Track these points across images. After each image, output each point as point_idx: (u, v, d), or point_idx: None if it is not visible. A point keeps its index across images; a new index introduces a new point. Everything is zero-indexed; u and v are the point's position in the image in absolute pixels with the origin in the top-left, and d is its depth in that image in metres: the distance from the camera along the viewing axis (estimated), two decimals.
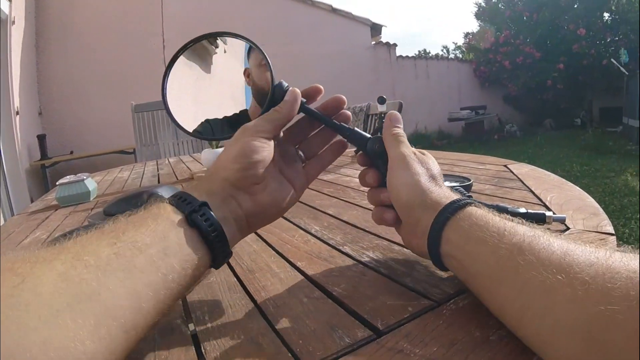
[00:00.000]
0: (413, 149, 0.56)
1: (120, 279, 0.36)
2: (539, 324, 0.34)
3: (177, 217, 0.44)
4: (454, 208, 0.46)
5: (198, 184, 0.51)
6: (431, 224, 0.47)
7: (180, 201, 0.46)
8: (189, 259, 0.42)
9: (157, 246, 0.40)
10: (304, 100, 0.57)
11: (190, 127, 0.61)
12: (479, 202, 0.48)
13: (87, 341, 0.31)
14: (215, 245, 0.45)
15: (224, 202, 0.49)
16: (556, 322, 0.32)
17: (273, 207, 0.54)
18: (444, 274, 0.52)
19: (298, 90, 0.56)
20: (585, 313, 0.30)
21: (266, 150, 0.51)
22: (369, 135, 0.58)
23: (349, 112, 0.59)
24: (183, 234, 0.43)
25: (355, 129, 0.58)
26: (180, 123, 0.61)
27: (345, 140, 0.59)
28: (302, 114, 0.58)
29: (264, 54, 0.57)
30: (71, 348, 0.30)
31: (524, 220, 0.43)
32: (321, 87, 0.58)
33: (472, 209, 0.46)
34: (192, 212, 0.44)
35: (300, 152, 0.60)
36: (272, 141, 0.53)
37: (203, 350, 0.42)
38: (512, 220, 0.43)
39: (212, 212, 0.46)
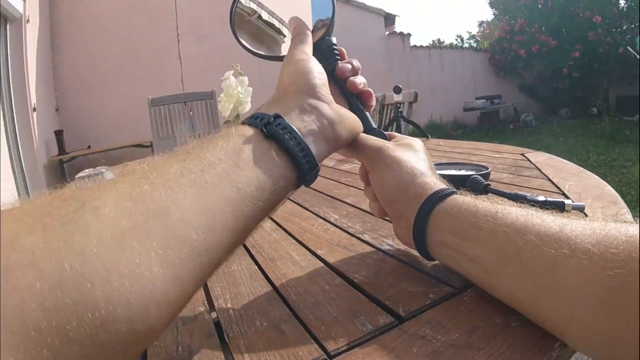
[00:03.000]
0: (396, 134, 0.57)
1: (191, 195, 0.33)
2: (554, 303, 0.34)
3: (250, 131, 0.41)
4: (437, 197, 0.46)
5: (268, 105, 0.47)
6: (415, 215, 0.47)
7: (253, 118, 0.43)
8: (268, 171, 0.39)
9: (230, 160, 0.37)
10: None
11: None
12: (497, 190, 0.48)
13: (155, 267, 0.29)
14: (297, 155, 0.42)
15: (303, 112, 0.46)
16: (569, 298, 0.33)
17: (350, 119, 0.51)
18: None
19: (296, 16, 0.58)
20: (594, 281, 0.31)
21: (318, 65, 0.51)
22: (374, 126, 0.57)
23: (372, 92, 0.58)
24: (258, 147, 0.40)
25: (367, 114, 0.57)
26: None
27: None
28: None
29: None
30: (137, 275, 0.27)
31: (512, 202, 0.43)
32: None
33: (457, 197, 0.46)
34: (267, 124, 0.41)
35: None
36: None
37: (226, 337, 0.43)
38: (501, 203, 0.43)
39: (287, 121, 0.43)
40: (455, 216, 0.44)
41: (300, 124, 0.44)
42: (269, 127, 0.41)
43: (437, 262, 0.52)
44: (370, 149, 0.53)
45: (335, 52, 0.58)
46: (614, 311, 0.29)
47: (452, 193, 0.46)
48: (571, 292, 0.32)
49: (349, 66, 0.56)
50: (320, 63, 0.53)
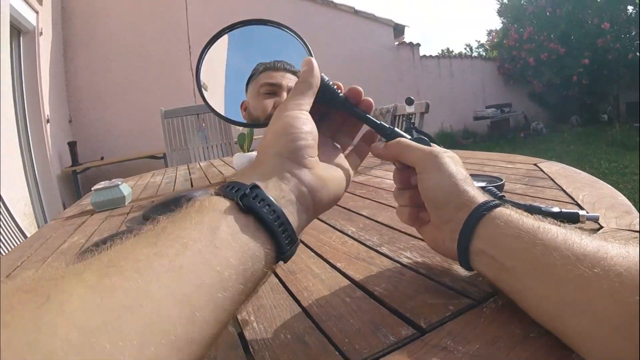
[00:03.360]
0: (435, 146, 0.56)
1: (165, 284, 0.30)
2: (579, 319, 0.34)
3: (226, 204, 0.38)
4: (488, 207, 0.46)
5: (244, 171, 0.46)
6: (464, 221, 0.47)
7: (227, 189, 0.40)
8: (247, 249, 0.36)
9: (206, 240, 0.34)
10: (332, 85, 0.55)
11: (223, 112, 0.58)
12: (512, 202, 0.48)
13: None
14: (276, 230, 0.39)
15: (282, 180, 0.43)
16: (595, 316, 0.33)
17: (333, 182, 0.48)
18: None
19: (311, 57, 0.52)
20: (622, 305, 0.31)
21: (310, 121, 0.48)
22: (388, 126, 0.57)
23: (370, 100, 0.56)
24: (235, 222, 0.37)
25: (374, 119, 0.57)
26: (215, 108, 0.58)
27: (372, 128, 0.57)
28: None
29: (306, 45, 0.57)
30: None
31: (554, 220, 0.43)
32: (360, 88, 0.55)
33: (504, 209, 0.46)
34: (243, 196, 0.39)
35: (336, 144, 0.56)
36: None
37: (251, 349, 0.43)
38: (544, 220, 0.43)
39: (266, 193, 0.40)
40: (500, 227, 0.44)
41: (278, 193, 0.42)
42: (245, 200, 0.38)
43: (456, 273, 0.53)
44: (422, 152, 0.53)
45: (333, 86, 0.55)
46: (636, 335, 0.29)
47: (499, 205, 0.47)
48: (598, 311, 0.33)
49: (358, 88, 0.55)
50: (324, 103, 0.53)
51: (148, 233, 0.34)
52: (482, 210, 0.46)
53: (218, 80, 0.60)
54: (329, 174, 0.48)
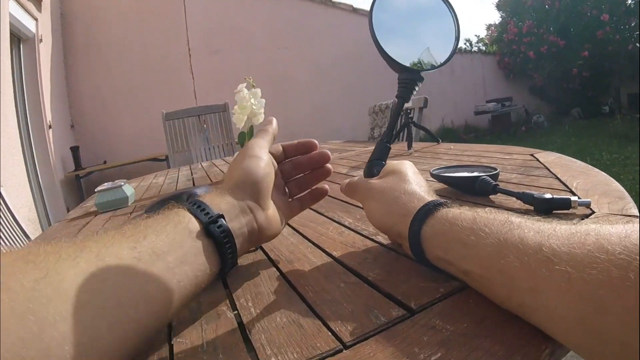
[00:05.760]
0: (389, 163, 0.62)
1: (138, 284, 0.39)
2: (537, 318, 0.35)
3: (195, 226, 0.48)
4: (422, 215, 0.49)
5: (217, 193, 0.55)
6: (408, 240, 0.50)
7: (199, 210, 0.49)
8: (202, 267, 0.46)
9: (175, 254, 0.44)
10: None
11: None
12: (444, 201, 0.49)
13: (104, 339, 0.34)
14: (226, 255, 0.49)
15: (243, 212, 0.53)
16: (550, 316, 0.34)
17: (276, 224, 0.59)
18: None
19: (272, 118, 0.66)
20: (571, 306, 0.31)
21: (269, 165, 0.58)
22: (382, 159, 0.65)
23: (329, 167, 0.67)
24: (200, 244, 0.47)
25: (388, 149, 0.66)
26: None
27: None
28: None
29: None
30: (87, 345, 0.32)
31: (492, 209, 0.44)
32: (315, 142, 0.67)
33: (440, 214, 0.48)
34: (210, 222, 0.48)
35: (286, 188, 0.67)
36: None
37: (248, 333, 0.45)
38: (486, 212, 0.44)
39: (227, 224, 0.50)
40: (443, 234, 0.46)
41: (236, 225, 0.52)
42: (211, 227, 0.48)
43: None
44: (361, 188, 0.61)
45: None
46: (592, 331, 0.30)
47: (435, 208, 0.48)
48: (551, 312, 0.33)
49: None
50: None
51: (131, 237, 0.43)
52: (420, 219, 0.49)
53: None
54: (275, 216, 0.58)
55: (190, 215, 0.49)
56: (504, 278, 0.38)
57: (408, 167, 0.59)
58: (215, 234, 0.48)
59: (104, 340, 0.34)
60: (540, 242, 0.35)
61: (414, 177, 0.57)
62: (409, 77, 0.64)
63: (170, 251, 0.43)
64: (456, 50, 0.66)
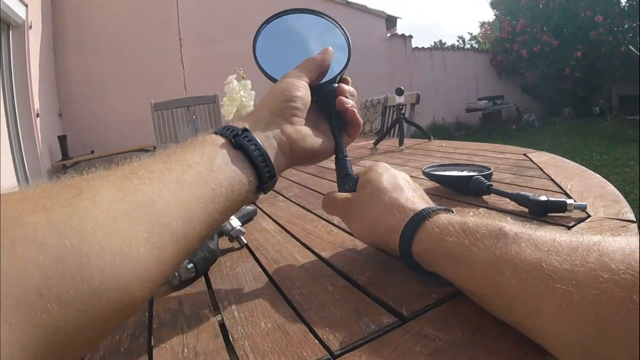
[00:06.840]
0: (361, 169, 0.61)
1: (172, 191, 0.38)
2: (537, 338, 0.34)
3: (222, 140, 0.47)
4: (411, 229, 0.47)
5: (243, 118, 0.54)
6: (402, 258, 0.49)
7: (224, 129, 0.49)
8: (236, 176, 0.45)
9: (205, 164, 0.43)
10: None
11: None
12: (429, 211, 0.47)
13: (141, 247, 0.34)
14: (259, 164, 0.48)
15: (267, 127, 0.52)
16: (550, 339, 0.33)
17: (311, 139, 0.56)
18: None
19: (329, 47, 0.63)
20: (573, 329, 0.30)
21: (305, 88, 0.56)
22: (351, 172, 0.60)
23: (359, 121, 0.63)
24: (228, 154, 0.46)
25: (348, 161, 0.61)
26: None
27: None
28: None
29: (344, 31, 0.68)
30: (126, 253, 0.32)
31: (481, 215, 0.43)
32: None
33: (427, 227, 0.46)
34: (235, 135, 0.47)
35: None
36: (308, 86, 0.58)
37: (231, 338, 0.43)
38: (474, 217, 0.43)
39: (253, 135, 0.49)
40: (433, 252, 0.45)
41: (263, 137, 0.50)
42: (237, 139, 0.47)
43: None
44: (341, 205, 0.59)
45: (333, 95, 0.61)
46: (594, 354, 0.29)
47: (420, 222, 0.47)
48: (551, 335, 0.32)
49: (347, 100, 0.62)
50: (321, 100, 0.61)
51: (162, 154, 0.43)
52: (409, 236, 0.47)
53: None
54: (308, 131, 0.56)
55: (216, 135, 0.48)
56: (501, 298, 0.36)
57: (382, 172, 0.58)
58: (241, 143, 0.47)
59: (142, 249, 0.34)
60: (540, 258, 0.34)
61: (389, 183, 0.55)
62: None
63: (201, 162, 0.43)
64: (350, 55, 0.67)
